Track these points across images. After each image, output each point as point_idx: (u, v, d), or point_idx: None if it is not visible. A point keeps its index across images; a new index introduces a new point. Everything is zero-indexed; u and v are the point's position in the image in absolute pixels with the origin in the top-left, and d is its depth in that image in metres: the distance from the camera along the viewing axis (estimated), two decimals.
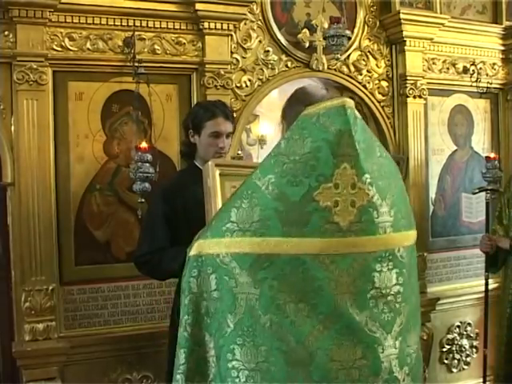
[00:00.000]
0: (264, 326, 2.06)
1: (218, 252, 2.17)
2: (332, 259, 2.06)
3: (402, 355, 2.15)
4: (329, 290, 2.06)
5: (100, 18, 3.95)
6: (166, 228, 3.28)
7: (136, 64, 3.94)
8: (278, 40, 4.58)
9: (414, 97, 5.04)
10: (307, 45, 4.63)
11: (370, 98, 5.00)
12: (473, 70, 5.37)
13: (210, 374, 2.24)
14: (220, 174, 2.87)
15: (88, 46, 3.95)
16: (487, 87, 5.40)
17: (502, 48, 5.58)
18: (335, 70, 4.83)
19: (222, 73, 4.25)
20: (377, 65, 5.02)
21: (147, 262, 3.29)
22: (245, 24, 4.44)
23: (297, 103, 2.24)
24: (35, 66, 3.75)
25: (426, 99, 5.16)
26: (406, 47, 4.99)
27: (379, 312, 2.10)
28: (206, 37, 4.23)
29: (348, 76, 4.90)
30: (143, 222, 3.63)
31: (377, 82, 5.03)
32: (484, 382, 5.00)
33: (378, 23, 5.00)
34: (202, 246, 2.24)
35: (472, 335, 5.54)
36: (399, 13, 4.85)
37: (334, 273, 2.05)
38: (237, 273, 2.11)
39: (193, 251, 2.27)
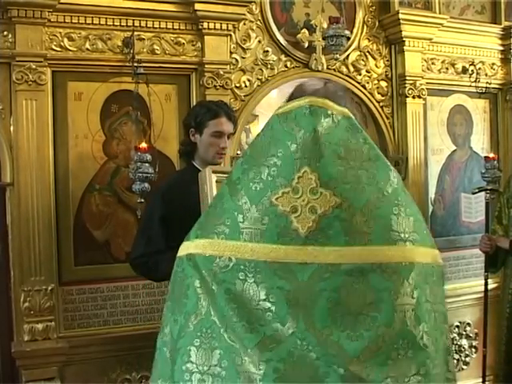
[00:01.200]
0: (220, 328, 1.93)
1: (187, 252, 2.09)
2: (288, 268, 1.90)
3: None
4: (282, 300, 1.90)
5: (99, 18, 3.95)
6: (163, 229, 3.28)
7: (135, 64, 3.93)
8: (278, 40, 4.58)
9: (413, 97, 5.04)
10: (306, 45, 4.63)
11: (369, 98, 5.00)
12: (472, 70, 5.37)
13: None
14: (216, 181, 2.85)
15: (87, 46, 3.95)
16: (486, 87, 5.40)
17: (501, 48, 5.58)
18: (334, 70, 4.83)
19: (222, 73, 4.24)
20: (376, 65, 5.02)
21: (144, 263, 3.30)
22: (244, 24, 4.44)
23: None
24: (34, 66, 3.75)
25: (425, 99, 5.15)
26: (405, 47, 4.99)
27: (344, 333, 1.86)
28: (206, 37, 4.23)
29: (347, 76, 4.90)
30: (140, 222, 3.63)
31: (376, 82, 5.03)
32: (483, 382, 4.99)
33: (377, 23, 5.00)
34: (180, 248, 2.17)
35: (471, 335, 5.53)
36: (398, 13, 4.84)
37: (290, 283, 1.89)
38: (202, 272, 2.01)
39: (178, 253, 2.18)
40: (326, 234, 1.92)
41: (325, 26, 4.61)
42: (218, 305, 1.94)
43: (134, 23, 4.04)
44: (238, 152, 4.75)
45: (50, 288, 3.81)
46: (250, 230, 1.95)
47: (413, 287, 1.96)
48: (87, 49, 3.95)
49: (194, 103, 4.13)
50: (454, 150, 5.45)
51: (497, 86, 5.61)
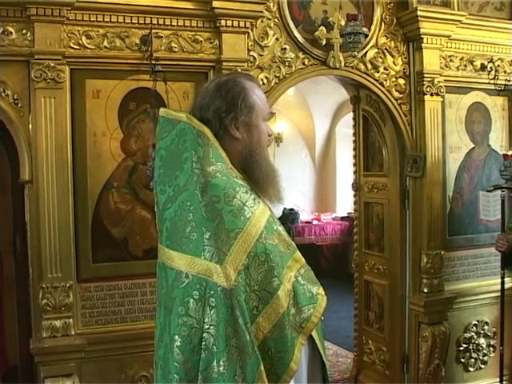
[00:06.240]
0: None
1: None
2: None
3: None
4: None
5: (117, 15, 3.96)
6: None
7: (153, 62, 3.95)
8: (295, 37, 4.56)
9: (432, 94, 5.02)
10: (324, 42, 4.61)
11: (387, 96, 4.98)
12: (490, 68, 5.34)
13: None
14: None
15: (105, 43, 3.96)
16: (505, 84, 5.37)
17: None
18: (352, 67, 4.81)
19: (239, 70, 4.23)
20: (394, 62, 5.00)
21: None
22: (261, 21, 4.44)
23: None
24: (53, 64, 3.77)
25: (443, 97, 5.12)
26: (423, 44, 4.96)
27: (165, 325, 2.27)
28: (223, 34, 4.23)
29: (365, 73, 4.88)
30: None
31: (394, 79, 5.01)
32: (501, 381, 4.98)
33: (395, 20, 4.98)
34: None
35: (489, 334, 5.50)
36: (416, 10, 4.81)
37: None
38: None
39: None
40: (160, 234, 2.19)
41: (342, 23, 4.60)
42: None
43: (151, 21, 4.04)
44: None
45: (68, 285, 3.83)
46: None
47: (171, 289, 2.08)
48: (105, 47, 3.96)
49: None
50: (473, 148, 5.42)
51: None
